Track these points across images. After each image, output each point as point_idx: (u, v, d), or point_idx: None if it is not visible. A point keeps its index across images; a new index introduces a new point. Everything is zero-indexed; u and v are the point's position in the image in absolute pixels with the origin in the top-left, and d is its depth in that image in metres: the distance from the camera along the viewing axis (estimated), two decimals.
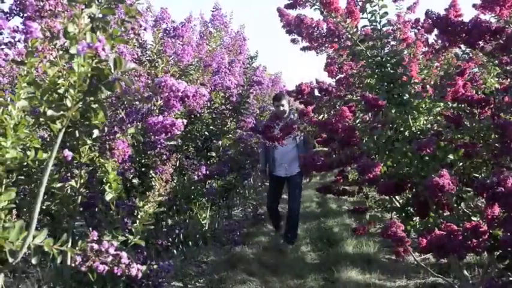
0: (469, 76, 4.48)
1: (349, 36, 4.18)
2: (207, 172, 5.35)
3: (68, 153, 2.41)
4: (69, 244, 2.11)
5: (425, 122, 4.15)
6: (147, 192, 3.08)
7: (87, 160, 2.97)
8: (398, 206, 4.51)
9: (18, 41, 2.40)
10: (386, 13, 4.01)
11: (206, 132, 6.25)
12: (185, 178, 5.30)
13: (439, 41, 5.17)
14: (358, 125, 4.25)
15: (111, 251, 2.02)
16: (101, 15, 1.83)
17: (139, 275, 2.07)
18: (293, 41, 5.86)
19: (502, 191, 2.62)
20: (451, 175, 2.98)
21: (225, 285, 5.21)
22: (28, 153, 2.36)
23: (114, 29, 1.85)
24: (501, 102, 3.74)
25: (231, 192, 7.78)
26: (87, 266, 2.00)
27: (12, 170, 2.29)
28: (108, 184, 3.03)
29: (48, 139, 3.22)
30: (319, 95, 5.80)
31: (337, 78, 6.20)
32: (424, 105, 4.12)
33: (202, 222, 6.55)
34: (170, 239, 5.27)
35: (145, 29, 2.01)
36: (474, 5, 3.57)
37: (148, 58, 5.32)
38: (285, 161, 7.07)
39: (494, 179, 2.67)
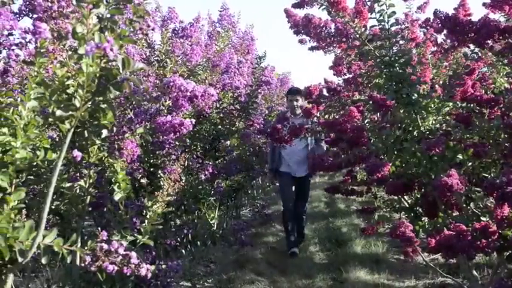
0: (478, 76, 4.46)
1: (357, 36, 4.17)
2: (215, 172, 5.36)
3: (77, 153, 2.42)
4: (79, 244, 2.12)
5: (434, 122, 4.13)
6: (156, 192, 3.08)
7: (96, 160, 2.98)
8: (407, 206, 4.49)
9: (29, 41, 2.41)
10: (394, 12, 3.99)
11: (214, 132, 6.26)
12: (193, 178, 5.31)
13: (448, 41, 5.15)
14: (367, 125, 4.24)
15: (121, 251, 2.02)
16: (109, 16, 1.83)
17: (149, 275, 2.07)
18: (301, 41, 5.86)
19: None
20: (460, 175, 2.97)
21: (234, 285, 5.22)
22: (38, 153, 2.37)
23: (123, 29, 1.85)
24: (510, 101, 3.72)
25: (239, 192, 7.78)
26: (97, 266, 2.01)
27: (22, 170, 2.30)
28: (117, 184, 3.04)
29: (57, 139, 3.24)
30: (328, 95, 5.80)
31: (345, 78, 6.20)
32: (432, 105, 4.11)
33: (211, 222, 6.56)
34: (179, 239, 5.28)
35: (153, 29, 2.02)
36: (484, 4, 3.56)
37: (156, 58, 5.33)
38: (293, 161, 6.62)
39: (504, 179, 2.66)
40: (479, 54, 4.49)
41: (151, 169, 4.27)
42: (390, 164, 3.74)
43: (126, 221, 3.14)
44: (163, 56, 5.27)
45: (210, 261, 6.06)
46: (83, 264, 2.03)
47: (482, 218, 3.21)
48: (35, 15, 2.61)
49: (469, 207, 3.47)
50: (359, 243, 6.63)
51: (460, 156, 3.48)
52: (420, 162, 3.66)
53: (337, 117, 4.93)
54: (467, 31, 3.23)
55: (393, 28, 4.13)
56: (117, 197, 3.04)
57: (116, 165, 3.07)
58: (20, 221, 2.10)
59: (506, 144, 3.45)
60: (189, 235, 5.62)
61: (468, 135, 3.72)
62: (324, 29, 4.53)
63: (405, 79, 3.93)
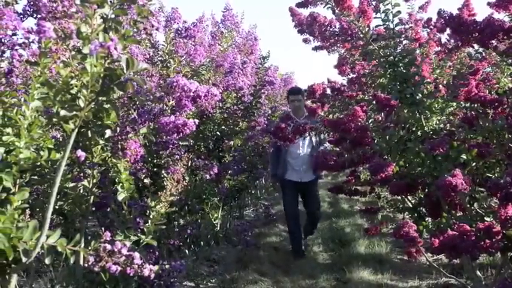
0: (482, 76, 4.45)
1: (362, 35, 4.16)
2: (219, 172, 5.36)
3: (80, 153, 2.42)
4: (82, 244, 2.12)
5: (438, 122, 4.12)
6: (159, 192, 3.08)
7: (99, 160, 2.98)
8: (411, 206, 4.49)
9: (32, 41, 2.41)
10: (399, 12, 3.99)
11: (218, 132, 6.26)
12: (197, 178, 5.31)
13: (452, 41, 5.15)
14: (371, 125, 4.24)
15: (124, 251, 2.02)
16: (113, 16, 1.84)
17: (152, 275, 2.07)
18: (305, 40, 5.85)
19: None
20: (464, 175, 2.96)
21: (237, 285, 5.22)
22: (41, 153, 2.37)
23: (127, 30, 1.86)
24: None
25: (242, 192, 7.78)
26: (100, 266, 2.01)
27: (25, 170, 2.30)
28: (121, 184, 3.04)
29: (61, 139, 3.24)
30: (331, 94, 5.79)
31: (349, 77, 6.19)
32: (436, 105, 4.10)
33: (214, 222, 6.56)
34: (182, 239, 5.28)
35: (157, 29, 2.02)
36: (488, 3, 3.55)
37: (160, 58, 5.33)
38: (299, 165, 6.34)
39: (508, 179, 2.65)
40: (484, 54, 4.48)
41: (155, 169, 4.27)
42: (394, 164, 3.74)
43: (130, 221, 3.14)
44: (167, 56, 5.27)
45: (214, 261, 6.06)
46: (86, 265, 2.03)
47: (486, 218, 3.21)
48: (39, 16, 2.61)
49: (472, 208, 3.47)
50: (362, 244, 6.62)
51: (464, 156, 3.48)
52: (424, 162, 3.65)
53: (341, 116, 4.92)
54: (472, 31, 3.22)
55: (397, 28, 4.12)
56: (120, 197, 3.04)
57: (119, 165, 3.07)
58: (23, 221, 2.10)
59: (510, 145, 3.44)
60: (193, 235, 5.62)
61: (472, 136, 3.71)
62: (328, 28, 4.52)
63: (409, 79, 3.93)
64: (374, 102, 4.14)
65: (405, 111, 3.95)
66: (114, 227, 3.15)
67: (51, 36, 2.01)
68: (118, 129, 3.14)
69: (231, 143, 6.53)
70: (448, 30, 4.78)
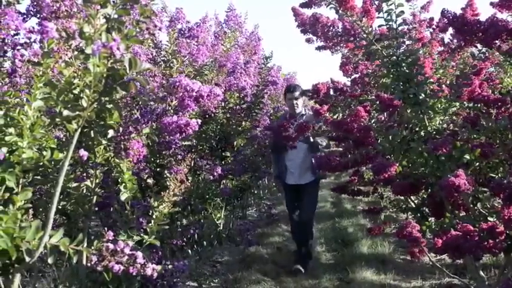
0: (486, 76, 4.44)
1: (365, 35, 4.16)
2: (222, 172, 5.36)
3: (83, 153, 2.42)
4: (85, 244, 2.12)
5: (441, 122, 4.12)
6: (162, 192, 3.08)
7: (102, 160, 2.99)
8: (414, 206, 4.48)
9: (34, 41, 2.42)
10: (402, 12, 3.98)
11: (221, 132, 6.26)
12: (200, 178, 5.31)
13: (455, 41, 5.14)
14: (374, 125, 4.23)
15: (127, 250, 2.03)
16: (116, 16, 1.84)
17: (155, 274, 2.07)
18: (308, 40, 5.85)
19: None
20: (467, 175, 2.96)
21: (240, 285, 5.22)
22: (44, 153, 2.37)
23: (129, 30, 1.85)
24: None
25: (245, 192, 7.78)
26: (103, 266, 2.01)
27: (28, 170, 2.30)
28: (123, 184, 3.05)
29: (63, 139, 3.24)
30: (334, 94, 5.79)
31: (352, 77, 6.19)
32: (439, 105, 4.10)
33: (217, 222, 6.56)
34: (185, 239, 5.29)
35: (160, 29, 2.02)
36: (492, 3, 3.54)
37: (163, 58, 5.34)
38: (295, 167, 6.04)
39: (511, 179, 2.65)
40: (487, 54, 4.48)
41: (158, 169, 4.27)
42: (397, 164, 3.73)
43: (133, 221, 3.15)
44: (170, 56, 5.27)
45: (216, 261, 6.06)
46: (89, 264, 2.03)
47: (489, 218, 3.20)
48: (42, 15, 2.62)
49: (476, 208, 3.46)
50: (365, 244, 6.61)
51: (467, 156, 3.47)
52: (427, 162, 3.65)
53: (344, 116, 4.92)
54: (475, 31, 3.22)
55: (401, 28, 4.12)
56: (123, 197, 3.04)
57: (122, 165, 3.07)
58: (26, 220, 2.10)
59: None
60: (196, 235, 5.63)
61: (475, 136, 3.70)
62: (331, 28, 4.53)
63: (412, 79, 3.92)
64: (377, 102, 4.13)
65: (408, 111, 3.94)
66: (117, 227, 3.16)
67: (53, 36, 2.01)
68: (121, 129, 3.14)
69: (234, 143, 6.52)
70: (451, 30, 4.77)
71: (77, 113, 1.91)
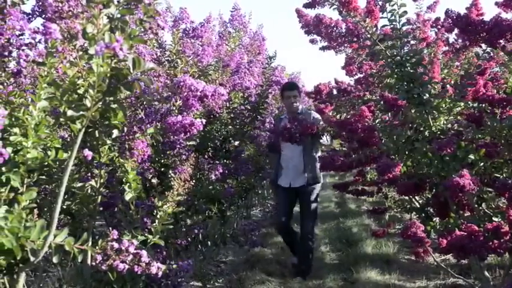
0: (490, 75, 4.44)
1: (369, 35, 4.16)
2: (225, 172, 5.36)
3: (88, 153, 2.42)
4: (90, 243, 2.12)
5: (445, 122, 4.12)
6: (166, 192, 3.08)
7: (106, 160, 2.99)
8: (418, 206, 4.48)
9: (39, 41, 2.42)
10: (405, 12, 3.99)
11: (225, 132, 6.26)
12: (204, 178, 5.31)
13: (460, 40, 5.14)
14: (378, 125, 4.23)
15: (131, 249, 2.03)
16: (119, 16, 1.84)
17: (159, 273, 2.08)
18: (312, 41, 5.87)
19: None
20: (472, 175, 2.96)
21: (244, 285, 5.22)
22: (49, 153, 2.38)
23: (133, 29, 1.86)
24: None
25: (249, 192, 7.77)
26: (108, 265, 2.01)
27: (33, 170, 2.31)
28: (128, 184, 3.05)
29: (68, 139, 3.25)
30: (338, 94, 5.79)
31: (356, 78, 6.19)
32: (444, 105, 4.10)
33: (221, 222, 6.56)
34: (189, 239, 5.29)
35: (163, 28, 2.02)
36: (496, 3, 3.54)
37: (167, 58, 5.33)
38: (290, 168, 5.79)
39: None
40: (491, 54, 4.47)
41: (162, 169, 4.27)
42: (401, 164, 3.73)
43: (137, 220, 3.15)
44: (174, 56, 5.27)
45: (221, 261, 6.07)
46: (94, 264, 2.04)
47: (494, 219, 3.20)
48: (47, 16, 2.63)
49: (480, 208, 3.46)
50: (370, 244, 6.61)
51: (471, 157, 3.47)
52: (431, 162, 3.65)
53: (348, 116, 4.93)
54: (479, 31, 3.21)
55: (404, 28, 4.12)
56: (127, 196, 3.04)
57: (126, 165, 3.07)
58: (31, 220, 2.11)
59: None
60: (200, 235, 5.62)
61: (480, 135, 3.70)
62: (335, 28, 4.53)
63: (416, 79, 3.92)
64: (381, 102, 4.13)
65: (412, 111, 3.95)
66: (122, 227, 3.16)
67: (57, 37, 2.01)
68: (125, 129, 3.14)
69: (237, 143, 6.51)
70: (455, 30, 4.77)
71: (81, 113, 1.92)
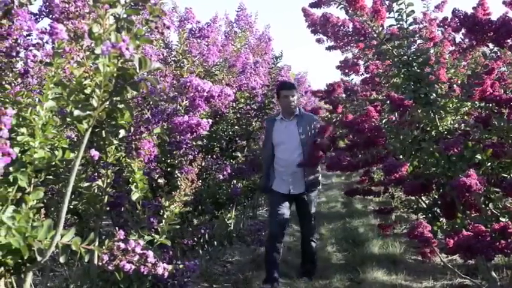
0: (497, 75, 4.42)
1: (375, 35, 4.15)
2: (232, 172, 5.36)
3: (94, 153, 2.43)
4: (96, 243, 2.12)
5: (452, 122, 4.11)
6: (173, 192, 3.09)
7: (113, 160, 2.99)
8: (425, 206, 4.47)
9: (46, 42, 2.43)
10: (412, 11, 3.98)
11: (231, 132, 6.26)
12: (210, 178, 5.31)
13: (466, 40, 5.12)
14: (384, 125, 4.23)
15: (138, 250, 2.03)
16: (125, 16, 1.84)
17: (166, 274, 2.08)
18: (318, 40, 5.86)
19: None
20: (479, 175, 2.95)
21: (250, 285, 5.22)
22: (56, 153, 2.38)
23: (139, 29, 1.86)
24: None
25: (256, 192, 7.77)
26: (114, 265, 2.02)
27: (40, 170, 2.32)
28: (135, 184, 3.05)
29: (75, 139, 3.26)
30: (345, 94, 5.79)
31: (362, 77, 6.19)
32: (451, 105, 4.09)
33: (228, 222, 6.56)
34: (196, 239, 5.29)
35: (168, 27, 2.02)
36: (504, 2, 3.53)
37: (173, 58, 5.34)
38: (290, 174, 5.30)
39: None
40: (498, 54, 4.46)
41: (169, 169, 4.27)
42: (408, 164, 3.73)
43: (144, 220, 3.15)
44: (181, 56, 5.28)
45: (227, 261, 6.07)
46: (100, 263, 2.04)
47: (501, 219, 3.19)
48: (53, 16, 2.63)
49: (487, 208, 3.45)
50: (376, 244, 6.60)
51: (478, 156, 3.46)
52: (438, 162, 3.64)
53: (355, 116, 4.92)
54: (486, 30, 3.21)
55: (411, 27, 4.11)
56: (134, 196, 3.05)
57: (133, 165, 3.08)
58: (38, 220, 2.11)
59: None
60: (206, 235, 5.63)
61: (487, 135, 3.69)
62: (341, 28, 4.52)
63: (423, 79, 3.92)
64: (388, 102, 4.13)
65: (419, 111, 3.94)
66: (128, 227, 3.16)
67: (63, 37, 2.02)
68: (132, 129, 3.15)
69: (244, 143, 6.51)
70: (462, 30, 4.76)
71: (88, 112, 1.92)
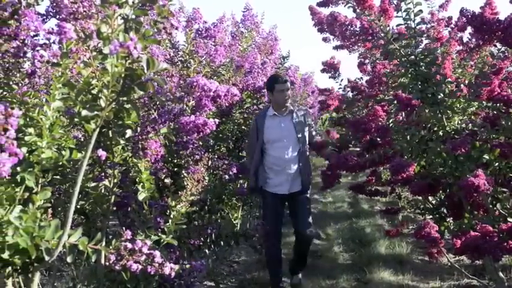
0: (505, 75, 4.41)
1: (383, 34, 4.14)
2: (239, 172, 5.36)
3: (102, 153, 2.43)
4: (103, 243, 2.13)
5: (459, 122, 4.10)
6: (180, 192, 3.09)
7: (120, 160, 3.00)
8: (432, 206, 4.46)
9: (53, 42, 2.43)
10: (421, 11, 3.97)
11: (238, 132, 6.26)
12: (217, 178, 5.31)
13: (473, 40, 5.10)
14: (391, 124, 4.22)
15: (145, 250, 2.03)
16: (133, 16, 1.84)
17: (173, 274, 2.08)
18: (325, 39, 5.86)
19: None
20: (487, 175, 2.94)
21: (257, 285, 5.22)
22: (63, 153, 2.39)
23: (147, 30, 1.86)
24: None
25: None
26: (121, 265, 2.02)
27: (47, 170, 2.32)
28: (141, 184, 3.05)
29: (82, 139, 3.26)
30: (352, 94, 5.79)
31: (369, 77, 6.18)
32: (458, 105, 4.08)
33: (234, 222, 6.57)
34: (202, 239, 5.29)
35: (176, 28, 2.02)
36: (511, 1, 3.51)
37: (180, 59, 5.34)
38: (286, 173, 5.08)
39: None
40: (506, 53, 4.44)
41: (175, 169, 4.28)
42: (415, 164, 3.72)
43: (150, 220, 3.16)
44: (187, 57, 5.27)
45: (234, 261, 6.07)
46: (107, 263, 2.04)
47: (509, 219, 3.18)
48: (61, 16, 2.64)
49: (495, 208, 3.44)
50: (383, 244, 6.59)
51: (486, 156, 3.45)
52: (446, 162, 3.63)
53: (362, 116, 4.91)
54: (494, 30, 3.20)
55: (419, 27, 4.10)
56: (141, 196, 3.05)
57: (140, 165, 3.08)
58: (45, 220, 2.12)
59: None
60: (213, 235, 5.63)
61: (494, 135, 3.67)
62: (349, 27, 4.51)
63: (431, 78, 3.91)
64: (395, 102, 4.12)
65: (427, 111, 3.93)
66: (135, 227, 3.17)
67: (71, 37, 2.02)
68: (139, 129, 3.15)
69: None
70: (469, 29, 4.75)
71: (95, 113, 1.92)
